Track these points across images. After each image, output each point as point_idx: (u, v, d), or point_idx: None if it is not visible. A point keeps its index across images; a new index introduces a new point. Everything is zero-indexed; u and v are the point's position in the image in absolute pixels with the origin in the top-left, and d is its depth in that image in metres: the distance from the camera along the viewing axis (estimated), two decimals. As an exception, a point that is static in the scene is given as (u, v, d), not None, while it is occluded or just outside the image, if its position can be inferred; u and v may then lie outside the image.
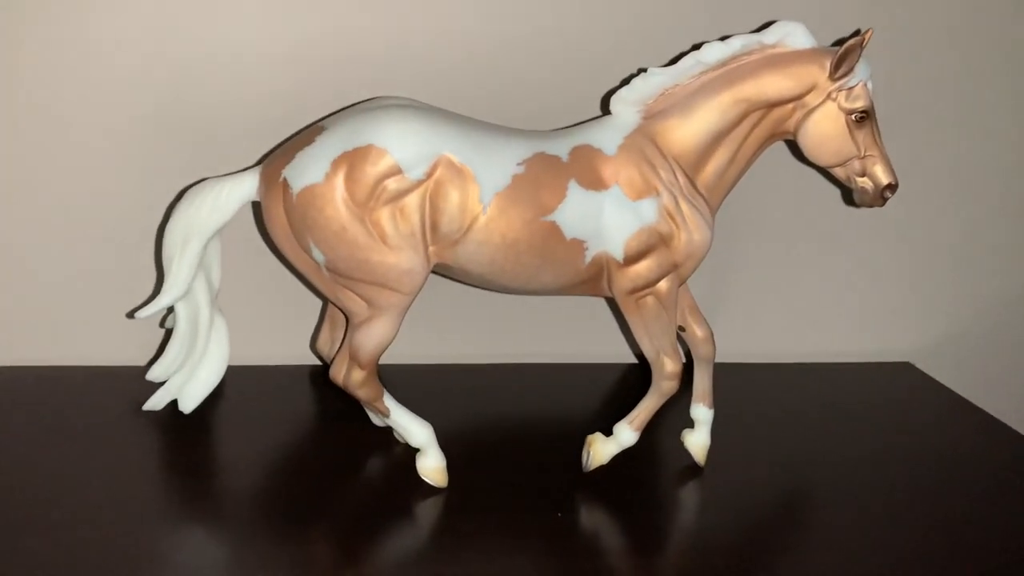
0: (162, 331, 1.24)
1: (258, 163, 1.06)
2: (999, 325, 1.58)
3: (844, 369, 1.49)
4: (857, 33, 0.99)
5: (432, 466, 1.07)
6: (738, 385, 1.39)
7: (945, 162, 1.47)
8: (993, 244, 1.54)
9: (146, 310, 1.06)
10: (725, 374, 1.39)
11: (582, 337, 1.44)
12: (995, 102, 1.46)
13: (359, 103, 1.06)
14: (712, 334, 1.15)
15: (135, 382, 1.17)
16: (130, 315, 1.10)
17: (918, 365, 1.53)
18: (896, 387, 1.45)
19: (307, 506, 1.01)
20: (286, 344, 1.34)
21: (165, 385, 1.12)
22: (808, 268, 1.48)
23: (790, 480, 1.15)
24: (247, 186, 1.02)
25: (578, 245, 1.02)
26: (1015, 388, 1.61)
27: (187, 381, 1.12)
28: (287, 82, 1.24)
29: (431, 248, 1.00)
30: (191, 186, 1.05)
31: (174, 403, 1.14)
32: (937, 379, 1.48)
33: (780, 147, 1.28)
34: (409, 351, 1.32)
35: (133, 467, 1.06)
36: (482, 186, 0.98)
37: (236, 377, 1.22)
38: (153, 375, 1.12)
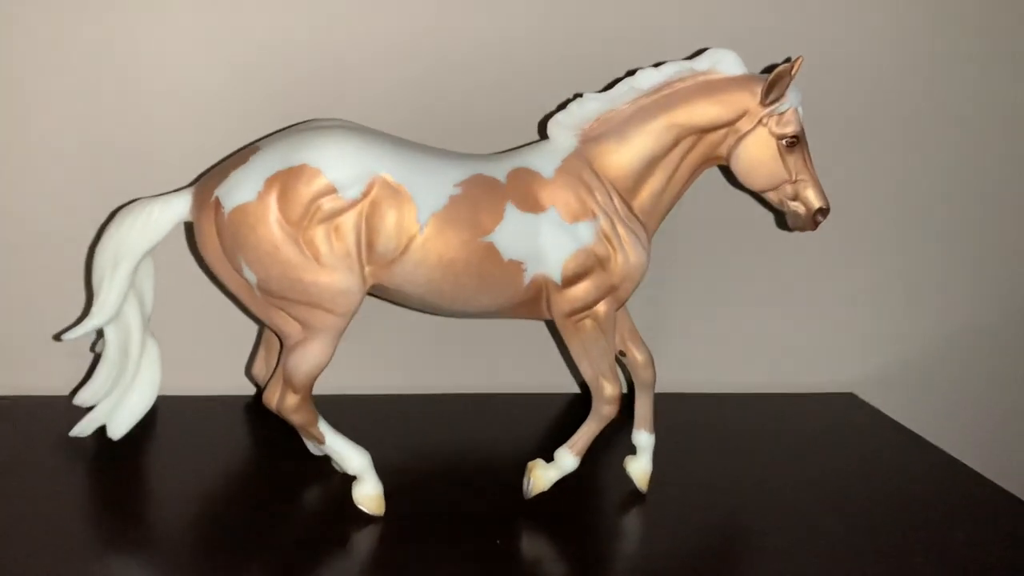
0: (90, 356, 1.21)
1: (192, 184, 1.05)
2: (942, 356, 1.60)
3: (787, 399, 1.49)
4: (788, 60, 1.02)
5: (369, 494, 1.05)
6: (682, 414, 1.39)
7: (890, 191, 1.50)
8: (936, 275, 1.56)
9: (74, 332, 1.03)
10: (668, 403, 1.38)
11: (525, 366, 1.43)
12: (941, 129, 1.48)
13: (297, 124, 1.06)
14: (652, 359, 1.15)
15: (62, 409, 1.14)
16: (57, 337, 1.07)
17: (861, 395, 1.54)
18: (839, 417, 1.46)
19: (241, 538, 0.99)
20: (221, 372, 1.31)
21: (93, 411, 1.09)
22: (751, 298, 1.49)
23: (732, 508, 1.14)
24: (179, 206, 1.01)
25: (516, 267, 1.02)
26: (957, 418, 1.62)
27: (116, 407, 1.09)
28: (225, 103, 1.23)
29: (367, 268, 0.99)
30: (123, 206, 1.04)
31: (103, 430, 1.11)
32: (880, 409, 1.48)
33: (722, 175, 1.30)
34: (349, 381, 1.30)
35: (59, 497, 1.03)
36: (419, 206, 0.98)
37: (169, 405, 1.20)
38: (80, 400, 1.09)
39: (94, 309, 1.03)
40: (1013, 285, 1.60)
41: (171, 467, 1.12)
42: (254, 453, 1.18)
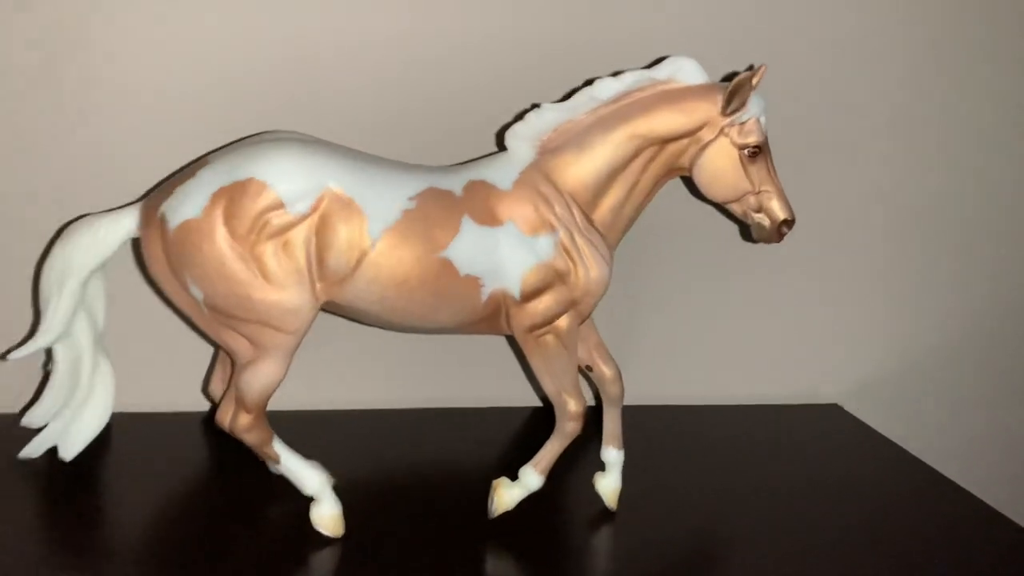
0: (40, 375, 1.18)
1: (140, 199, 1.02)
2: (927, 367, 1.58)
3: (770, 411, 1.47)
4: (751, 68, 0.99)
5: (326, 514, 1.03)
6: (659, 427, 1.37)
7: (871, 200, 1.47)
8: (924, 285, 1.53)
9: (21, 351, 1.01)
10: (644, 415, 1.38)
11: (487, 381, 1.40)
12: (926, 137, 1.46)
13: (250, 136, 1.04)
14: (620, 373, 1.12)
15: (11, 428, 1.11)
16: (3, 356, 1.05)
17: (846, 407, 1.51)
18: (822, 428, 1.43)
19: (197, 559, 0.96)
20: (178, 389, 1.28)
21: (44, 431, 1.07)
22: (733, 308, 1.47)
23: (706, 525, 1.12)
24: (126, 223, 0.99)
25: (473, 282, 1.00)
26: (943, 430, 1.59)
27: (68, 427, 1.06)
28: (179, 115, 1.20)
29: (318, 285, 0.97)
30: (71, 222, 1.02)
31: (54, 451, 1.08)
32: (865, 421, 1.46)
33: (686, 187, 1.28)
34: (307, 396, 1.28)
35: (8, 519, 1.00)
36: (371, 220, 0.96)
37: (124, 424, 1.17)
38: (29, 420, 1.06)
39: (41, 328, 1.01)
40: (1001, 296, 1.57)
41: (125, 487, 1.09)
42: (211, 472, 1.16)
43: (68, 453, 1.07)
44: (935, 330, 1.56)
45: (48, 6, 1.15)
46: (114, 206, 1.07)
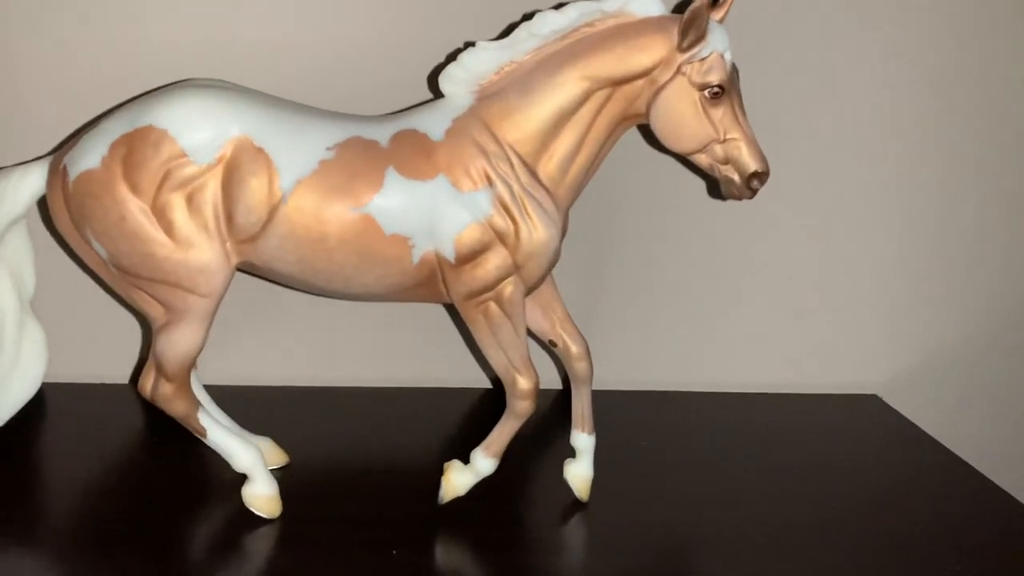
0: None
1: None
2: (970, 357, 1.43)
3: (801, 400, 1.35)
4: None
5: (258, 493, 0.96)
6: (672, 414, 1.27)
7: (916, 180, 1.34)
8: (971, 270, 1.39)
9: (-67, 311, 0.97)
10: (664, 402, 1.30)
11: (444, 360, 1.31)
12: (973, 123, 1.33)
13: (170, 84, 0.97)
14: (588, 350, 1.01)
15: None
16: None
17: (886, 398, 1.38)
18: (854, 420, 1.31)
19: (124, 533, 0.92)
20: (115, 358, 1.23)
21: (-32, 396, 1.03)
22: (765, 291, 1.35)
23: (689, 521, 1.01)
24: (36, 176, 0.93)
25: (402, 242, 0.90)
26: (990, 425, 1.45)
27: None
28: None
29: (228, 243, 0.89)
30: (-13, 177, 0.97)
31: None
32: (903, 413, 1.33)
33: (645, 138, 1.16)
34: (249, 371, 1.21)
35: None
36: (282, 171, 0.87)
37: (57, 392, 1.13)
38: (-50, 385, 1.02)
39: (-45, 287, 0.97)
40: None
41: (55, 458, 1.06)
42: (146, 444, 1.10)
43: (-4, 420, 1.03)
44: (986, 316, 1.42)
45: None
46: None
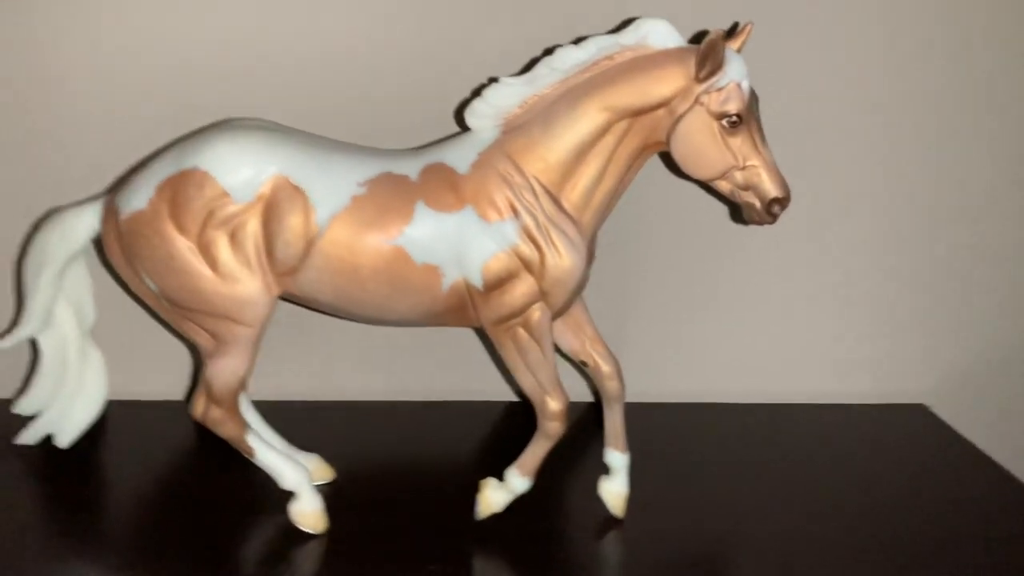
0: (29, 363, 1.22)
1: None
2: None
3: (841, 410, 1.34)
4: (735, 28, 0.87)
5: (304, 510, 1.00)
6: (697, 426, 1.27)
7: (969, 179, 1.32)
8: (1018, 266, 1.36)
9: (3, 342, 1.04)
10: (694, 413, 1.30)
11: (474, 373, 1.34)
12: (1006, 106, 1.30)
13: (216, 123, 1.02)
14: (619, 370, 1.04)
15: (6, 415, 1.13)
16: None
17: (933, 408, 1.36)
18: (898, 432, 1.29)
19: (178, 544, 0.97)
20: (167, 379, 1.29)
21: (38, 419, 1.10)
22: (804, 293, 1.34)
23: (729, 535, 1.02)
24: (90, 215, 1.00)
25: (432, 271, 0.94)
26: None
27: (61, 416, 1.09)
28: (165, 106, 1.18)
29: (270, 276, 0.94)
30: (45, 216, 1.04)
31: (50, 437, 1.11)
32: (952, 425, 1.30)
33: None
34: (287, 387, 1.26)
35: (6, 505, 1.03)
36: (316, 207, 0.92)
37: (117, 410, 1.18)
38: (20, 408, 1.09)
39: (22, 319, 1.04)
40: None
41: (118, 473, 1.11)
42: (205, 459, 1.15)
43: (63, 441, 1.10)
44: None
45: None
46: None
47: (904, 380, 1.39)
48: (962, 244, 1.35)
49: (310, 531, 1.00)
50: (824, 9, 1.22)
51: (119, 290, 1.14)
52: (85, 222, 1.00)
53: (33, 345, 1.08)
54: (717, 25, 0.90)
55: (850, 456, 1.22)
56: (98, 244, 1.01)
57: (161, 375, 1.27)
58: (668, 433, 1.25)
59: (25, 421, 1.10)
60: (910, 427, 1.31)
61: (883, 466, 1.20)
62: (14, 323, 1.07)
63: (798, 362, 1.37)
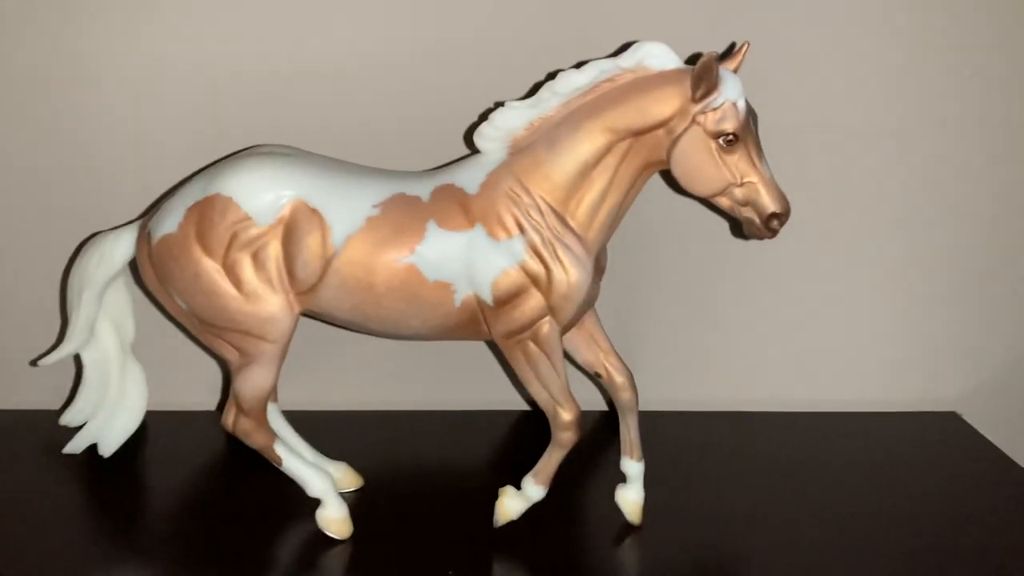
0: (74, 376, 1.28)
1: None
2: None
3: (870, 418, 1.34)
4: (732, 48, 0.90)
5: (331, 517, 1.05)
6: (720, 435, 1.29)
7: (999, 178, 1.31)
8: None
9: (49, 358, 1.11)
10: (714, 421, 1.32)
11: (491, 383, 1.37)
12: None
13: (246, 149, 1.07)
14: (632, 380, 1.06)
15: (54, 425, 1.20)
16: (34, 363, 1.16)
17: (965, 416, 1.35)
18: (929, 441, 1.29)
19: (211, 548, 1.02)
20: (201, 390, 1.35)
21: (84, 429, 1.16)
22: (831, 298, 1.34)
23: (752, 543, 1.04)
24: (127, 240, 1.06)
25: (444, 288, 0.98)
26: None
27: (105, 426, 1.15)
28: (191, 134, 1.24)
29: (291, 295, 0.99)
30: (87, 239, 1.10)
31: (94, 446, 1.17)
32: (985, 434, 1.30)
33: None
34: (321, 397, 1.31)
35: (53, 510, 1.09)
36: (334, 229, 0.97)
37: (156, 419, 1.23)
38: (66, 420, 1.16)
39: (66, 336, 1.10)
40: None
41: (157, 480, 1.17)
42: (231, 466, 1.20)
43: (106, 450, 1.16)
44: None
45: (47, 32, 1.21)
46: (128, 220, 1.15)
47: (935, 388, 1.38)
48: (994, 251, 1.34)
49: (336, 536, 1.04)
50: (825, 10, 1.23)
51: (157, 308, 1.20)
52: (122, 246, 1.06)
53: (77, 360, 1.15)
54: (716, 44, 0.93)
55: (878, 464, 1.22)
56: (134, 266, 1.08)
57: (195, 387, 1.34)
58: (686, 442, 1.26)
59: (71, 432, 1.17)
60: (942, 435, 1.31)
61: (913, 475, 1.20)
62: (59, 340, 1.13)
63: (825, 370, 1.37)
